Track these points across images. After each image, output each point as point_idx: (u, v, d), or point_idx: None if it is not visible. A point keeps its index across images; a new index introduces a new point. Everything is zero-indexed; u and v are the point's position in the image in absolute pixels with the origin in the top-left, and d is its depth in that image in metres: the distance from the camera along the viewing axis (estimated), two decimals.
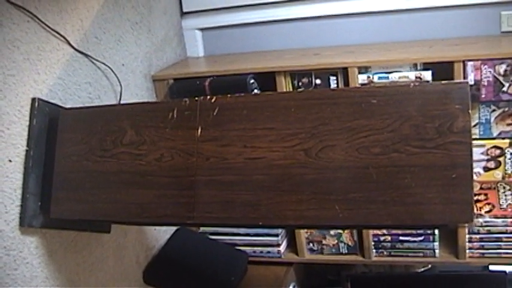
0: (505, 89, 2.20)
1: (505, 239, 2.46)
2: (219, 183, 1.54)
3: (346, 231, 2.67)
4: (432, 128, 1.36)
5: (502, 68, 2.17)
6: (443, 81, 1.39)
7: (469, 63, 2.20)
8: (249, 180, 1.50)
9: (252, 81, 2.44)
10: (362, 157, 1.40)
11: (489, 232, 2.47)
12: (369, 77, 2.35)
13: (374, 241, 2.64)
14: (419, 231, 2.54)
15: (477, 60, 2.20)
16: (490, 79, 2.20)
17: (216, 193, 1.54)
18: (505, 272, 2.52)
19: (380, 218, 1.37)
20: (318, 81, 2.46)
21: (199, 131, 1.59)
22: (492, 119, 2.32)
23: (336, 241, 2.72)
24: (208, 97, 1.60)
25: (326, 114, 1.45)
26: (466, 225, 2.30)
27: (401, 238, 2.59)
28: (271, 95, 1.57)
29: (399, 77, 2.32)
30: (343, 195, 1.40)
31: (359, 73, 2.37)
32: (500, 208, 2.45)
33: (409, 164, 1.36)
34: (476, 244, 2.50)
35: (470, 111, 1.35)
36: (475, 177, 2.37)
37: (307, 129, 1.46)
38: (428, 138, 1.36)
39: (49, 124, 1.86)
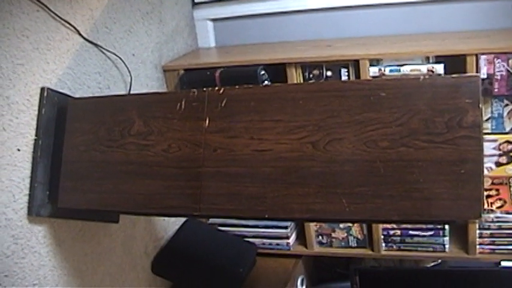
0: None
1: None
2: (226, 175, 1.53)
3: (355, 224, 2.66)
4: (441, 122, 1.34)
5: None
6: (453, 75, 1.37)
7: (482, 57, 2.17)
8: (255, 173, 1.50)
9: (262, 72, 2.43)
10: (370, 151, 1.39)
11: (500, 228, 2.44)
12: (380, 69, 2.33)
13: (383, 235, 2.62)
14: (429, 226, 2.52)
15: (490, 53, 2.17)
16: (503, 73, 2.17)
17: (223, 185, 1.53)
18: None
19: (387, 212, 1.36)
20: (329, 73, 2.44)
21: (207, 122, 1.58)
22: (505, 114, 2.29)
23: (346, 234, 2.71)
24: (217, 88, 1.59)
25: (334, 106, 1.44)
26: (476, 221, 2.29)
27: (411, 232, 2.57)
28: (279, 87, 1.56)
29: (411, 70, 2.29)
30: (350, 189, 1.39)
31: (370, 65, 2.34)
32: None
33: (418, 159, 1.35)
34: (486, 240, 2.47)
35: (481, 105, 1.33)
36: (486, 172, 2.34)
37: (315, 122, 1.45)
38: (437, 132, 1.34)
39: (58, 113, 1.87)
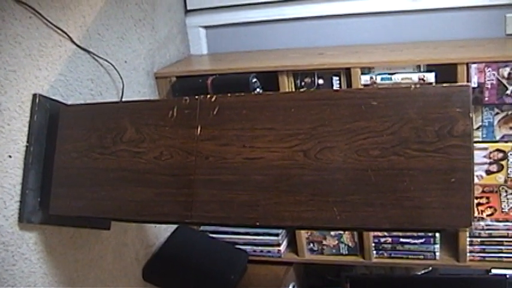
0: (508, 92, 2.19)
1: (506, 243, 2.45)
2: (218, 182, 1.53)
3: (346, 232, 2.66)
4: (432, 131, 1.35)
5: (506, 71, 2.16)
6: (444, 84, 1.38)
7: (473, 66, 2.19)
8: (247, 180, 1.50)
9: (254, 80, 2.43)
10: (361, 159, 1.39)
11: (490, 236, 2.45)
12: (371, 77, 2.34)
13: (374, 242, 2.63)
14: (420, 234, 2.53)
15: (481, 62, 2.18)
16: (494, 82, 2.19)
17: (215, 192, 1.53)
18: (505, 275, 2.50)
19: (378, 221, 1.36)
20: (321, 81, 2.45)
21: (198, 129, 1.58)
22: (495, 122, 2.31)
23: (337, 242, 2.71)
24: (209, 96, 1.59)
25: (326, 115, 1.44)
26: (466, 229, 2.29)
27: (401, 240, 2.58)
28: (271, 95, 1.56)
29: (402, 79, 2.30)
30: (341, 197, 1.40)
31: (362, 74, 2.35)
32: (502, 212, 2.43)
33: (408, 167, 1.35)
34: (477, 247, 2.49)
35: (471, 114, 1.34)
36: (477, 180, 2.36)
37: (306, 130, 1.46)
38: (428, 141, 1.35)
39: (49, 120, 1.86)
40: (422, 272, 2.81)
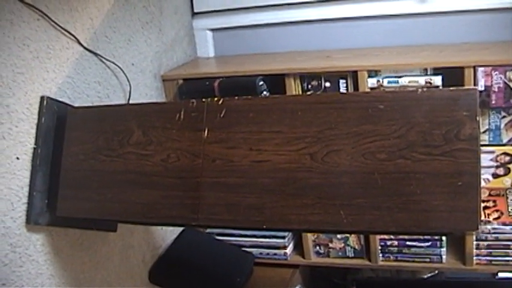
0: None
1: None
2: (224, 185, 1.54)
3: (353, 235, 2.66)
4: (439, 134, 1.35)
5: None
6: (451, 88, 1.38)
7: (480, 69, 2.18)
8: (254, 183, 1.50)
9: (261, 83, 2.43)
10: (368, 162, 1.39)
11: (497, 239, 2.44)
12: (378, 81, 2.34)
13: (381, 245, 2.62)
14: (426, 237, 2.52)
15: (488, 66, 2.18)
16: (501, 85, 2.18)
17: (221, 195, 1.54)
18: None
19: (384, 224, 1.36)
20: (328, 84, 2.45)
21: (205, 132, 1.59)
22: (502, 126, 2.30)
23: (343, 244, 2.71)
24: (216, 99, 1.60)
25: (333, 118, 1.45)
26: (472, 233, 2.29)
27: (408, 243, 2.58)
28: (278, 98, 1.57)
29: (409, 82, 2.30)
30: (348, 200, 1.40)
31: (369, 77, 2.35)
32: (509, 215, 2.42)
33: (415, 171, 1.35)
34: (483, 251, 2.48)
35: (478, 118, 1.34)
36: (483, 183, 2.35)
37: (313, 133, 1.46)
38: (435, 145, 1.35)
39: (57, 122, 1.87)
40: (429, 275, 2.81)
